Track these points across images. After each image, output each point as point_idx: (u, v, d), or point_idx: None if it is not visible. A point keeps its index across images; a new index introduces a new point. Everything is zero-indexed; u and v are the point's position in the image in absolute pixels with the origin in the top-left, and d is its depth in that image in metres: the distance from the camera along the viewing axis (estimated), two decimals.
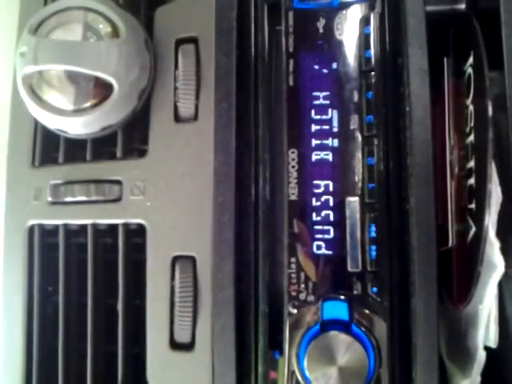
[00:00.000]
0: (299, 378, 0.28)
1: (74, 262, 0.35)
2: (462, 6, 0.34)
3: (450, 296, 0.33)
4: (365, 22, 0.30)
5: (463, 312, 0.32)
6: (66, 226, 0.34)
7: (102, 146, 0.35)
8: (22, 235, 0.35)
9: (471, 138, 0.30)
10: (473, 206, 0.30)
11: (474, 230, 0.29)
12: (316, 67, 0.30)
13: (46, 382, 0.34)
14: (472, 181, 0.30)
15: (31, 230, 0.35)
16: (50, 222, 0.35)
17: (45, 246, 0.35)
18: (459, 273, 0.32)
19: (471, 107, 0.31)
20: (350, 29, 0.30)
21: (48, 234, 0.35)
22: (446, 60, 0.35)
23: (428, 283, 0.28)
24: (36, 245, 0.35)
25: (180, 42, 0.33)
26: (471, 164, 0.30)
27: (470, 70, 0.31)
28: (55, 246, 0.35)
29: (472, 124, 0.30)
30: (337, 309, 0.28)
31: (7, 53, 0.40)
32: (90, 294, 0.33)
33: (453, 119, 0.34)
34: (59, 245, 0.34)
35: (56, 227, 0.35)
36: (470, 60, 0.31)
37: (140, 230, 0.33)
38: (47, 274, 0.35)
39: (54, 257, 0.35)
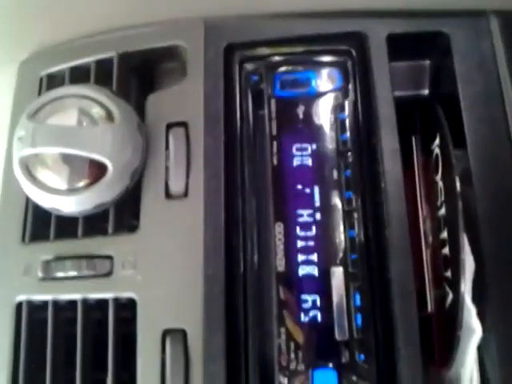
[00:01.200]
0: None
1: (63, 336, 0.35)
2: (426, 92, 0.38)
3: (431, 360, 0.35)
4: (340, 108, 0.34)
5: (446, 376, 0.33)
6: (55, 301, 0.34)
7: (93, 222, 0.36)
8: (10, 311, 0.35)
9: (442, 210, 0.33)
10: (449, 273, 0.32)
11: (451, 296, 0.31)
12: (297, 148, 0.33)
13: None
14: (446, 250, 0.32)
15: (19, 305, 0.35)
16: (39, 297, 0.35)
17: (32, 321, 0.35)
18: (440, 337, 0.34)
19: (440, 183, 0.33)
20: (327, 114, 0.34)
21: (36, 309, 0.35)
22: (413, 138, 0.39)
23: (412, 350, 0.29)
24: (24, 321, 0.34)
25: (170, 126, 0.35)
26: (444, 235, 0.33)
27: (437, 150, 0.34)
28: (43, 320, 0.35)
29: (442, 198, 0.33)
30: (326, 377, 0.29)
31: None
32: (78, 369, 0.33)
33: (424, 192, 0.37)
34: (48, 321, 0.34)
35: (45, 302, 0.35)
36: (437, 141, 0.34)
37: (130, 304, 0.33)
38: (34, 350, 0.34)
39: (42, 332, 0.34)
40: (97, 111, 0.34)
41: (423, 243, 0.36)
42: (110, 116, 0.33)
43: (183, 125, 0.35)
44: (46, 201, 0.34)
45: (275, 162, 0.33)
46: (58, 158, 0.33)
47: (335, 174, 0.32)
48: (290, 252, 0.32)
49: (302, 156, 0.33)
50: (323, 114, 0.34)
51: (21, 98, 0.39)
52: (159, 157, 0.35)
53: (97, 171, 0.33)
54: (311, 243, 0.32)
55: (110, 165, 0.32)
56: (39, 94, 0.39)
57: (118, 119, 0.33)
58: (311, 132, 0.33)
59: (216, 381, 0.30)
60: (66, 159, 0.33)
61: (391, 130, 0.33)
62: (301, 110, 0.34)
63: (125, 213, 0.36)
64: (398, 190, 0.32)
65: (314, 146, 0.33)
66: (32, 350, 0.34)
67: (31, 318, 0.35)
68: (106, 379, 0.33)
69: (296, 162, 0.33)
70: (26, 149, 0.32)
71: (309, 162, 0.33)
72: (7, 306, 0.35)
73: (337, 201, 0.32)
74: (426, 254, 0.36)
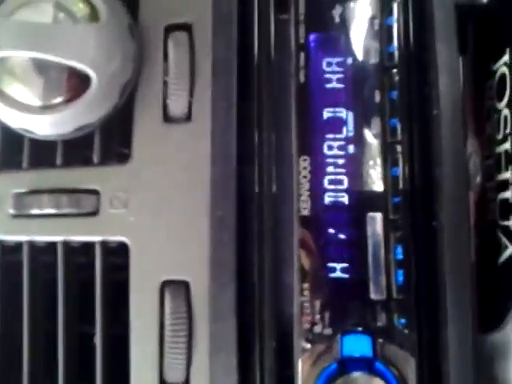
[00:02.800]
0: None
1: (41, 283, 0.30)
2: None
3: None
4: (387, 10, 0.27)
5: (489, 340, 0.29)
6: (31, 242, 0.29)
7: (75, 149, 0.30)
8: None
9: (506, 146, 0.27)
10: (509, 223, 0.26)
11: (510, 250, 0.26)
12: (331, 62, 0.27)
13: None
14: (508, 194, 0.27)
15: None
16: (11, 238, 0.30)
17: (5, 264, 0.30)
18: (484, 295, 0.29)
19: (506, 111, 0.27)
20: (369, 18, 0.27)
21: (9, 251, 0.30)
22: (460, 58, 0.32)
23: (462, 312, 0.25)
24: None
25: (170, 29, 0.29)
26: (506, 175, 0.27)
27: (503, 70, 0.28)
28: (18, 264, 0.30)
29: (508, 130, 0.27)
30: (358, 344, 0.25)
31: None
32: (60, 321, 0.28)
33: (472, 124, 0.31)
34: (23, 264, 0.29)
35: (19, 244, 0.30)
36: (505, 58, 0.28)
37: (121, 249, 0.28)
38: (9, 298, 0.30)
39: (16, 277, 0.29)
40: (78, 7, 0.27)
41: None
42: (94, 14, 0.27)
43: (186, 28, 0.28)
44: (14, 120, 0.28)
45: (302, 78, 0.27)
46: (29, 65, 0.26)
47: (377, 95, 0.26)
48: (317, 193, 0.26)
49: (335, 72, 0.26)
50: (365, 17, 0.27)
51: None
52: (156, 68, 0.29)
53: (78, 84, 0.27)
54: (343, 183, 0.26)
55: (93, 75, 0.26)
56: None
57: (104, 18, 0.27)
58: (349, 41, 0.27)
59: (224, 343, 0.26)
60: (40, 68, 0.26)
61: (450, 43, 0.27)
62: (337, 12, 0.27)
63: (113, 139, 0.30)
64: (454, 118, 0.26)
65: (352, 60, 0.26)
66: (7, 297, 0.30)
67: (4, 260, 0.30)
68: (94, 336, 0.28)
69: (328, 79, 0.26)
70: None
71: (344, 79, 0.26)
72: None
73: (377, 130, 0.26)
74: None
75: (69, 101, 0.27)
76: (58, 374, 0.28)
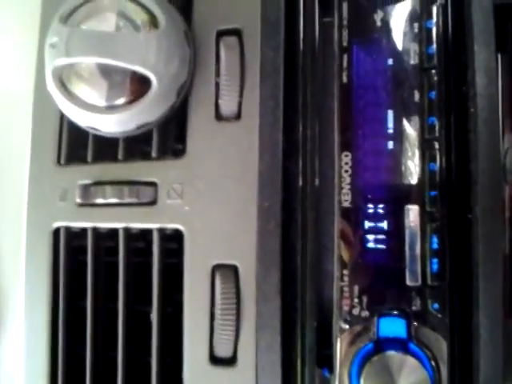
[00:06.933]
0: None
1: (103, 265, 0.33)
2: None
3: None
4: (426, 14, 0.28)
5: None
6: (95, 229, 0.32)
7: (135, 145, 0.33)
8: (47, 237, 0.33)
9: None
10: None
11: None
12: (372, 63, 0.28)
13: None
14: None
15: (56, 232, 0.33)
16: (77, 224, 0.33)
17: (71, 248, 0.33)
18: None
19: None
20: (410, 22, 0.28)
21: (75, 237, 0.33)
22: (499, 56, 0.33)
23: (493, 300, 0.26)
24: (62, 248, 0.33)
25: (221, 34, 0.31)
26: None
27: None
28: (82, 248, 0.33)
29: None
30: (394, 326, 0.26)
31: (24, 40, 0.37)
32: (120, 301, 0.31)
33: (510, 119, 0.32)
34: (87, 248, 0.32)
35: (84, 230, 0.33)
36: None
37: (176, 235, 0.31)
38: (73, 278, 0.33)
39: (81, 260, 0.33)
40: (138, 15, 0.29)
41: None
42: (153, 21, 0.29)
43: (236, 32, 0.30)
44: (82, 119, 0.31)
45: (344, 79, 0.28)
46: (95, 70, 0.29)
47: (417, 95, 0.27)
48: (358, 186, 0.28)
49: (376, 73, 0.28)
50: (405, 21, 0.28)
51: (50, 2, 0.35)
52: (208, 71, 0.31)
53: (139, 86, 0.29)
54: (383, 177, 0.28)
55: (154, 79, 0.28)
56: None
57: (162, 25, 0.29)
58: (390, 43, 0.28)
59: (269, 322, 0.28)
60: (105, 72, 0.29)
61: (487, 45, 0.27)
62: (378, 16, 0.28)
63: (169, 136, 0.33)
64: (490, 116, 0.27)
65: (393, 61, 0.28)
66: (72, 278, 0.33)
67: (70, 245, 0.33)
68: (151, 313, 0.31)
69: (369, 79, 0.28)
70: (60, 58, 0.28)
71: (385, 79, 0.28)
72: (44, 233, 0.33)
73: (416, 127, 0.27)
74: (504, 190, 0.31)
75: (131, 102, 0.29)
76: (118, 346, 0.31)
